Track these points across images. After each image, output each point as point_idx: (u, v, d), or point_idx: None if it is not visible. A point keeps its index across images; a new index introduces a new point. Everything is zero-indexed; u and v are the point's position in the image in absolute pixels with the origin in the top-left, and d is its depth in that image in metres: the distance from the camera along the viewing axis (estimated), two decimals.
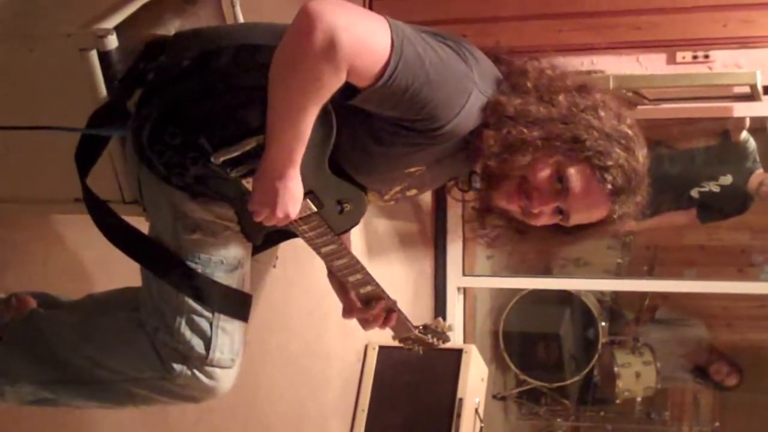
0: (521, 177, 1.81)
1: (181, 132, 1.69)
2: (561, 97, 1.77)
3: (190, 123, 1.68)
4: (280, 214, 1.69)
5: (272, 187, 1.65)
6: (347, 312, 2.13)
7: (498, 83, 1.81)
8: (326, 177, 1.78)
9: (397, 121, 1.70)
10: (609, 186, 1.77)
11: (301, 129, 1.58)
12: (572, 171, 1.78)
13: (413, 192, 2.04)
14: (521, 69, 1.84)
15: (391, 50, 1.57)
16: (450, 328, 2.37)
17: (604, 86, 1.87)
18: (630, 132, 1.80)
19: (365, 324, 2.15)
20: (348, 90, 1.62)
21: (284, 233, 1.98)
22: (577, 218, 1.86)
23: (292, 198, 1.68)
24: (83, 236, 2.67)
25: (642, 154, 1.82)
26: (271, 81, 1.57)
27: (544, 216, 1.85)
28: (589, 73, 4.46)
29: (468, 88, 1.71)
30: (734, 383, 7.11)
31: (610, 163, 1.75)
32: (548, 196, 1.81)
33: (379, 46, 1.56)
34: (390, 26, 1.58)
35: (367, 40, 1.54)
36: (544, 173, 1.79)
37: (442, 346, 2.41)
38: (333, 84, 1.55)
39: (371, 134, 1.75)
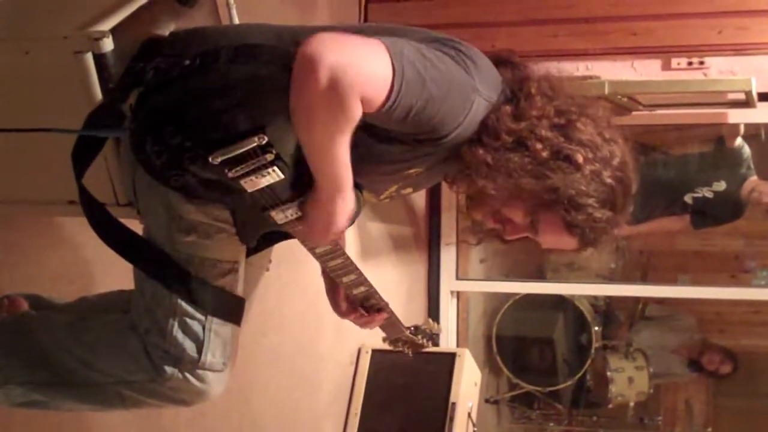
0: (496, 209, 1.85)
1: (179, 131, 1.67)
2: (539, 146, 1.74)
3: (189, 122, 1.67)
4: (334, 232, 1.76)
5: (328, 211, 1.71)
6: (337, 314, 2.16)
7: (500, 89, 1.81)
8: None
9: (400, 134, 1.72)
10: (577, 238, 1.81)
11: (338, 159, 1.60)
12: (543, 217, 1.80)
13: (409, 190, 2.05)
14: (517, 93, 1.83)
15: (393, 76, 1.56)
16: (439, 330, 2.38)
17: (599, 110, 1.83)
18: (612, 180, 1.78)
19: (360, 324, 2.18)
20: None
21: (279, 234, 1.97)
22: (547, 246, 1.90)
23: (344, 215, 1.73)
24: (77, 239, 2.66)
25: (624, 197, 1.82)
26: (295, 126, 1.58)
27: (517, 237, 1.90)
28: (584, 78, 4.47)
29: (470, 97, 1.71)
30: (729, 370, 7.11)
31: (581, 217, 1.76)
32: (520, 229, 1.86)
33: (382, 75, 1.55)
34: (389, 51, 1.57)
35: (370, 73, 1.53)
36: (517, 213, 1.83)
37: (432, 348, 2.41)
38: (350, 117, 1.54)
39: (374, 139, 1.76)
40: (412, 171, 1.88)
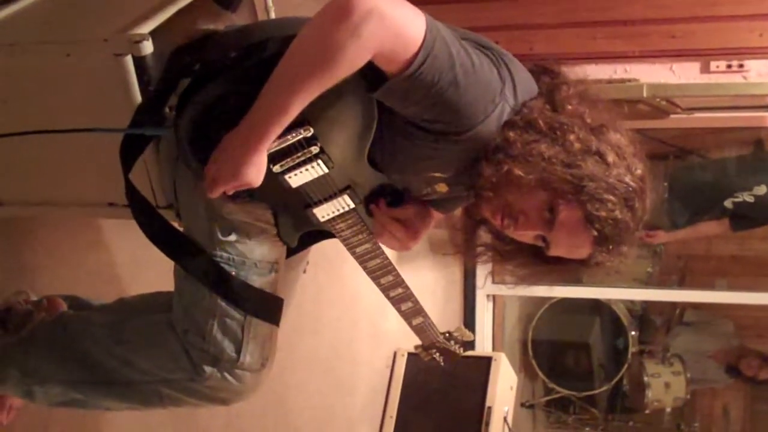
0: (511, 201, 1.79)
1: (225, 125, 1.67)
2: (572, 137, 1.72)
3: (236, 116, 1.66)
4: (237, 182, 1.66)
5: (236, 153, 1.63)
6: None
7: (530, 99, 1.79)
8: (364, 170, 1.77)
9: (418, 121, 1.69)
10: (595, 233, 1.75)
11: (294, 105, 1.57)
12: (564, 207, 1.74)
13: (444, 188, 2.02)
14: (552, 94, 1.81)
15: (423, 42, 1.55)
16: (471, 337, 2.37)
17: (625, 127, 1.81)
18: (635, 185, 1.75)
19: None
20: (373, 81, 1.62)
21: (320, 234, 1.97)
22: (557, 251, 1.83)
23: (259, 169, 1.65)
24: (116, 241, 2.68)
25: (642, 206, 1.78)
26: (294, 46, 1.56)
27: (525, 237, 1.83)
28: (622, 81, 4.45)
29: (495, 99, 1.68)
30: (767, 376, 7.02)
31: (603, 213, 1.71)
32: (534, 223, 1.78)
33: (413, 34, 1.55)
34: (426, 22, 1.58)
35: (402, 25, 1.53)
36: (536, 202, 1.76)
37: (467, 352, 2.40)
38: (351, 62, 1.53)
39: (396, 134, 1.75)
40: (437, 174, 1.86)
